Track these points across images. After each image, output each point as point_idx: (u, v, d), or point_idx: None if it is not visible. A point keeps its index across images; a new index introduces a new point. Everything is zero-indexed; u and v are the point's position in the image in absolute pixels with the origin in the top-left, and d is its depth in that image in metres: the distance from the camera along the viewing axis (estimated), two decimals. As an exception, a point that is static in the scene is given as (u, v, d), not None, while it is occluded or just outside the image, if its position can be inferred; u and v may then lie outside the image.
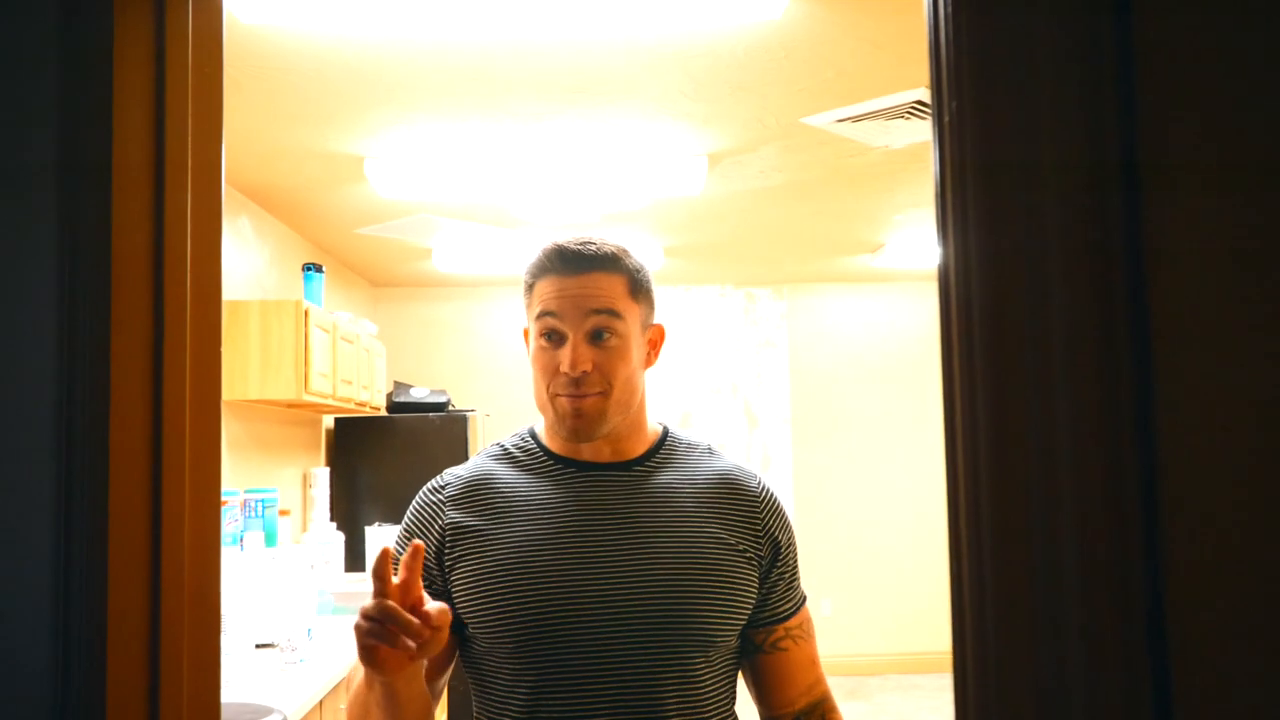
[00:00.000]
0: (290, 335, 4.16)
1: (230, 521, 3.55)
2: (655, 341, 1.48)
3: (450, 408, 5.95)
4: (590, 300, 1.36)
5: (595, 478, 1.42)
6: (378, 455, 5.72)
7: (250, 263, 4.54)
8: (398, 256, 5.87)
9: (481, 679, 1.40)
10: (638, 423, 1.45)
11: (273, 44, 2.85)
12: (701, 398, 7.12)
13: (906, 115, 3.49)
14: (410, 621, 1.13)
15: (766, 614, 1.44)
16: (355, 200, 4.53)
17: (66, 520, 1.08)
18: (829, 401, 7.14)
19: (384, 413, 5.74)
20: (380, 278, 6.55)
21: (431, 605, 1.18)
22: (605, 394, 1.36)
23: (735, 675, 1.45)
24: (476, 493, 1.43)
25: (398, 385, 6.04)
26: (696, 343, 7.14)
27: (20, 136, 1.12)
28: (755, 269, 6.70)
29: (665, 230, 5.35)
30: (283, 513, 4.06)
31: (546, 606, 1.32)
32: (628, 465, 1.43)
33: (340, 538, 5.03)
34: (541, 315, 1.38)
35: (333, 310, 5.14)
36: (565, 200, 4.53)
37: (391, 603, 1.13)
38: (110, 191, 1.12)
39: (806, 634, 1.48)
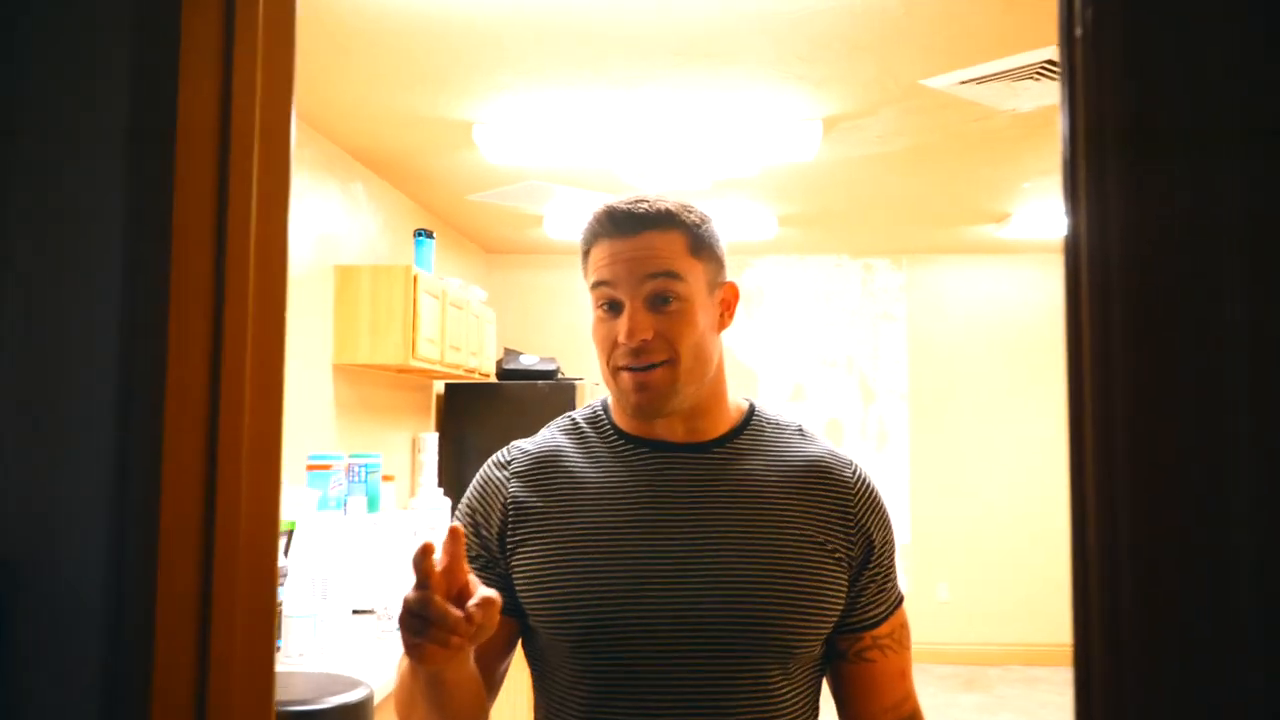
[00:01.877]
0: (399, 300, 4.18)
1: (334, 486, 3.58)
2: (728, 302, 1.34)
3: (559, 375, 5.93)
4: (646, 263, 1.24)
5: (669, 460, 1.30)
6: (486, 422, 5.73)
7: (363, 228, 4.57)
8: (510, 223, 5.86)
9: (542, 674, 1.32)
10: (716, 397, 1.32)
11: (381, 8, 2.81)
12: (815, 371, 6.95)
13: (1036, 76, 3.27)
14: (451, 616, 1.03)
15: (854, 620, 1.29)
16: (466, 166, 4.50)
17: (120, 498, 1.04)
18: (949, 377, 6.89)
19: (493, 379, 5.75)
20: (493, 244, 6.56)
21: (480, 593, 1.07)
22: (672, 363, 1.24)
23: (818, 686, 1.32)
24: (543, 470, 1.33)
25: (508, 352, 6.04)
26: (811, 314, 6.97)
27: (86, 101, 1.08)
28: (873, 239, 6.48)
29: (779, 198, 5.19)
30: (386, 478, 4.08)
31: (608, 604, 1.22)
32: (706, 446, 1.31)
33: (447, 503, 5.06)
34: (596, 285, 1.28)
35: (444, 276, 5.15)
36: (674, 166, 4.42)
37: (434, 595, 1.04)
38: (174, 158, 1.06)
39: (898, 643, 1.33)
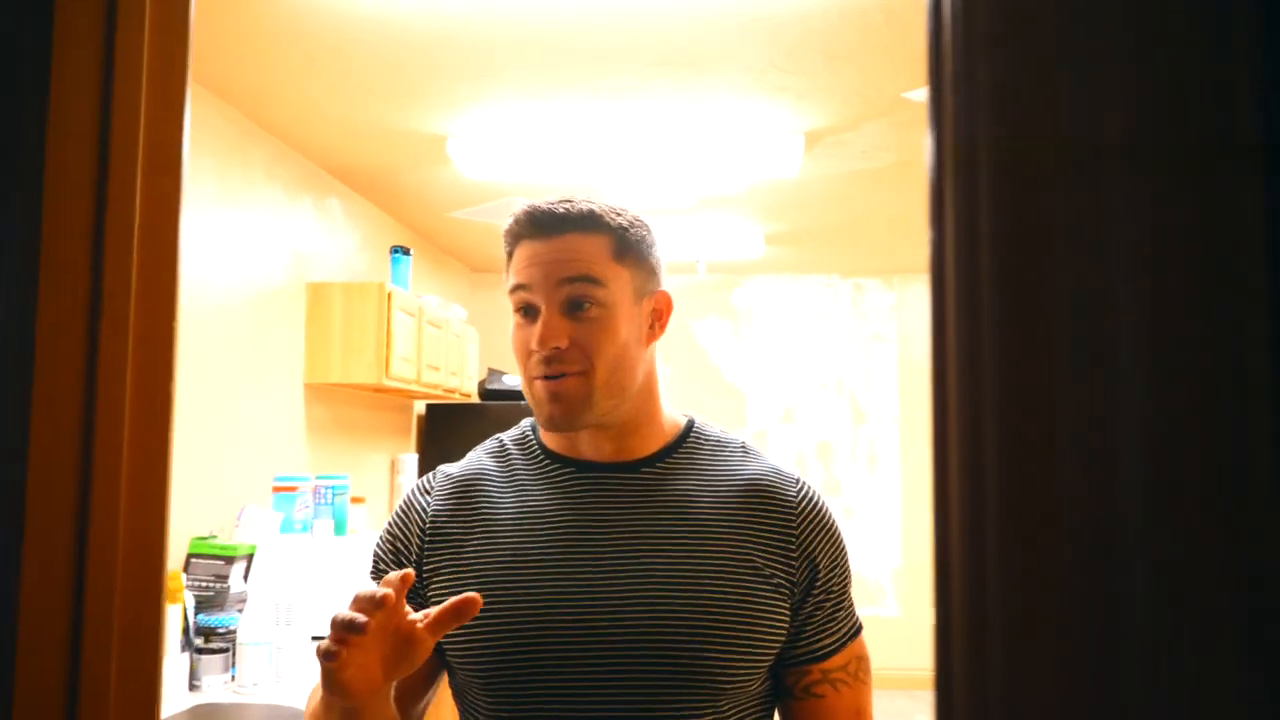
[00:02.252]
0: (372, 318, 4.08)
1: (300, 508, 3.47)
2: (659, 312, 1.24)
3: (543, 396, 5.82)
4: (564, 266, 1.15)
5: (593, 480, 1.20)
6: (468, 443, 5.55)
7: (340, 245, 4.48)
8: (494, 241, 5.76)
9: (464, 708, 1.22)
10: (646, 413, 1.22)
11: (348, 17, 2.73)
12: (805, 393, 6.85)
13: (1023, 89, 3.18)
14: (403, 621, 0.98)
15: (799, 651, 1.18)
16: (443, 182, 4.42)
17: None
18: (940, 399, 6.78)
19: (475, 400, 5.65)
20: (477, 263, 6.47)
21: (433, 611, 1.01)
22: (587, 374, 1.14)
23: None
24: (463, 494, 1.24)
25: (491, 372, 5.94)
26: (801, 335, 6.87)
27: None
28: (864, 258, 6.39)
29: (765, 216, 5.11)
30: (356, 500, 3.97)
31: (519, 638, 1.12)
32: (634, 466, 1.21)
33: (425, 526, 4.94)
34: (514, 289, 1.18)
35: (422, 295, 5.06)
36: (657, 182, 4.33)
37: (385, 594, 0.95)
38: (42, 175, 0.96)
39: (853, 677, 1.20)
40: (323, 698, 1.06)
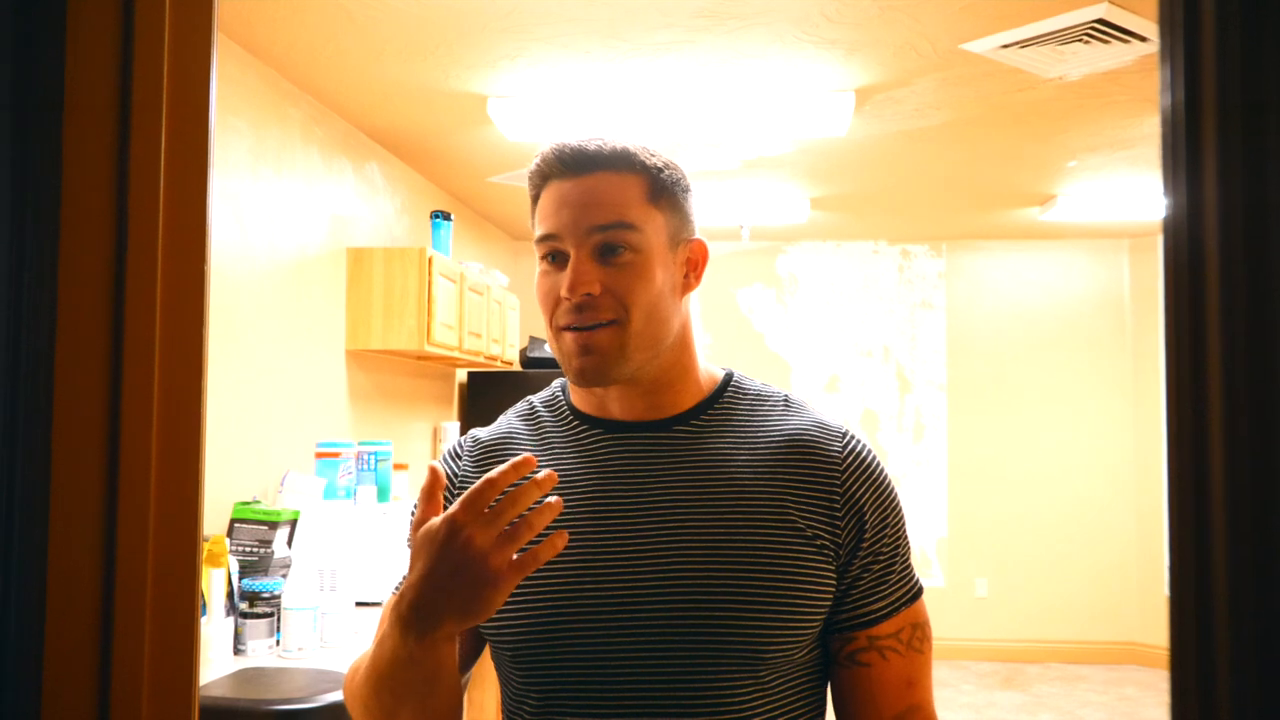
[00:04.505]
0: (414, 284, 4.03)
1: (343, 474, 3.44)
2: (694, 261, 1.16)
3: (585, 364, 5.77)
4: (596, 210, 1.07)
5: (622, 441, 1.13)
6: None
7: (379, 210, 4.43)
8: (529, 198, 5.69)
9: (502, 684, 1.16)
10: (681, 367, 1.14)
11: (377, -34, 2.66)
12: (851, 360, 6.74)
13: (1085, 38, 3.05)
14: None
15: (844, 617, 1.10)
16: (484, 145, 4.35)
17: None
18: (989, 368, 6.65)
19: (517, 367, 5.61)
20: (518, 230, 6.41)
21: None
22: (621, 323, 1.07)
23: (815, 699, 1.12)
24: (492, 459, 1.18)
25: (532, 340, 5.89)
26: (847, 302, 6.76)
27: None
28: (912, 224, 6.26)
29: (812, 179, 4.99)
30: (399, 466, 3.94)
31: (548, 608, 1.06)
32: (666, 424, 1.13)
33: (468, 494, 4.92)
34: (542, 238, 1.10)
35: (465, 261, 5.01)
36: (701, 144, 4.24)
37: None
38: (60, 137, 0.89)
39: (905, 646, 1.11)
40: (398, 651, 0.96)
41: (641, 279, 1.08)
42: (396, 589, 1.12)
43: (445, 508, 1.16)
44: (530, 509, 0.91)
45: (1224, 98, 0.58)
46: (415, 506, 1.20)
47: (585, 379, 1.09)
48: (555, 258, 1.10)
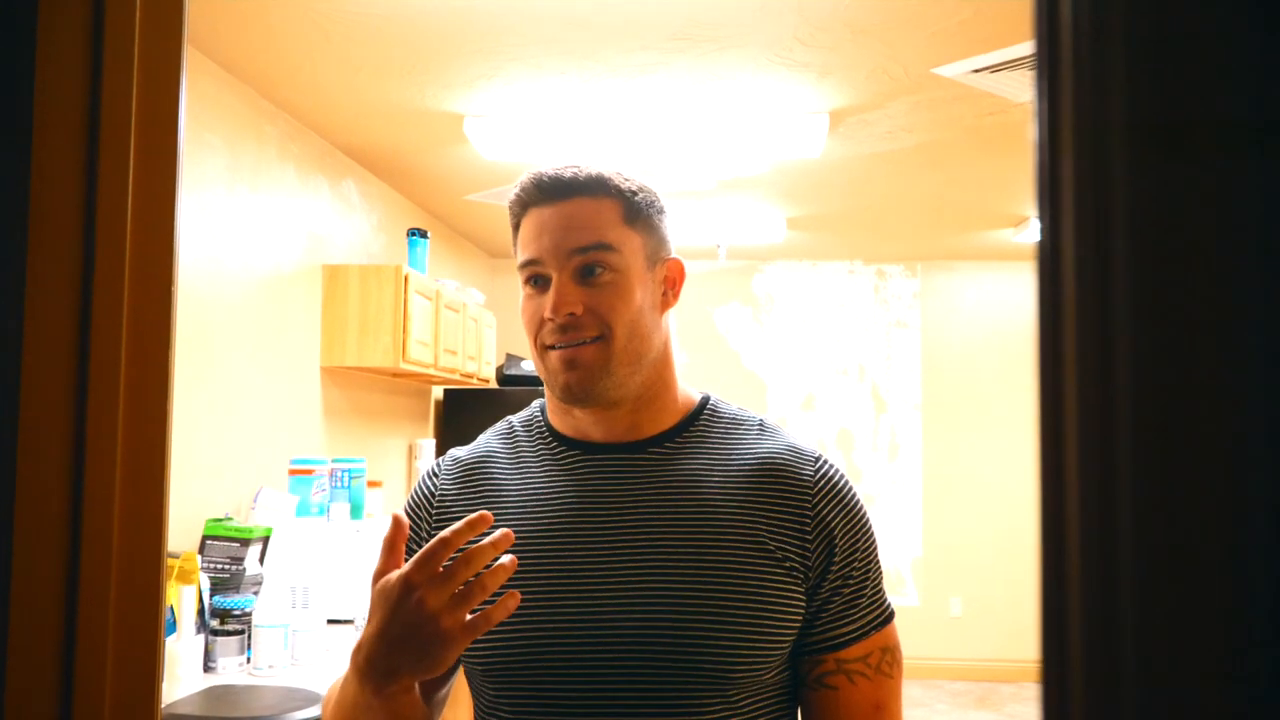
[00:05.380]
0: (389, 301, 4.03)
1: (317, 491, 3.43)
2: (672, 280, 1.20)
3: (561, 382, 5.78)
4: (575, 234, 1.11)
5: (598, 462, 1.15)
6: (485, 428, 5.57)
7: (356, 227, 4.44)
8: (510, 225, 5.71)
9: (474, 699, 1.17)
10: (663, 383, 1.17)
11: (354, -15, 2.68)
12: (827, 379, 6.78)
13: (1053, 64, 3.10)
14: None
15: (814, 639, 1.11)
16: (460, 163, 4.36)
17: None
18: (964, 387, 6.70)
19: (494, 384, 5.61)
20: (495, 248, 6.42)
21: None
22: (605, 340, 1.10)
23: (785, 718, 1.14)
24: (471, 478, 1.20)
25: (509, 358, 5.90)
26: (822, 321, 6.80)
27: None
28: (887, 244, 6.31)
29: (787, 199, 5.04)
30: (373, 484, 3.94)
31: (519, 626, 1.07)
32: (640, 446, 1.16)
33: (443, 511, 4.91)
34: (525, 264, 1.14)
35: (442, 278, 5.01)
36: (677, 164, 4.27)
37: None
38: (29, 151, 0.89)
39: (874, 670, 1.11)
40: (359, 694, 1.00)
41: (621, 297, 1.11)
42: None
43: (421, 536, 1.18)
44: (485, 569, 0.94)
45: (1079, 126, 0.60)
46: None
47: (572, 395, 1.11)
48: (538, 282, 1.13)
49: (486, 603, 0.96)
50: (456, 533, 0.93)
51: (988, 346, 6.71)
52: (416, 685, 1.02)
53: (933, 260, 6.74)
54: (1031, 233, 5.56)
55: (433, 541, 0.93)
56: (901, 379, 6.77)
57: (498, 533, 0.94)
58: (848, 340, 6.80)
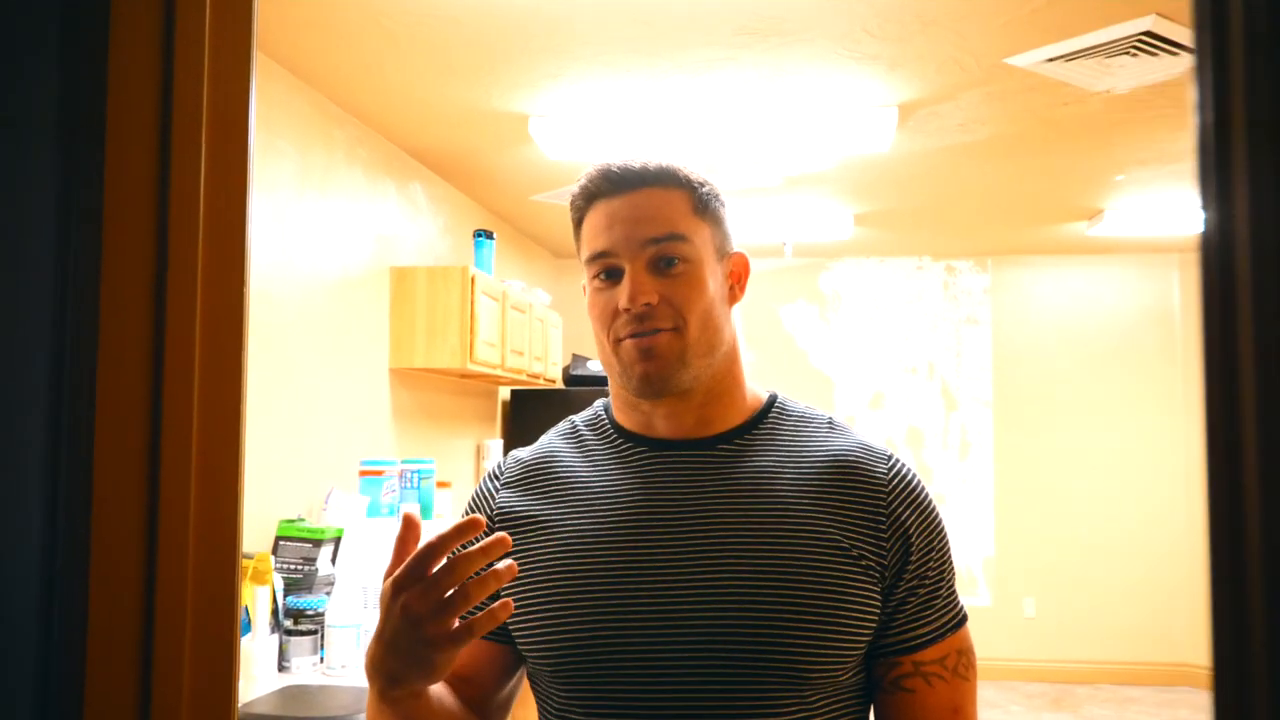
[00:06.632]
0: (456, 302, 4.05)
1: (387, 492, 3.46)
2: (738, 274, 1.18)
3: (627, 382, 5.77)
4: (648, 224, 1.09)
5: (667, 458, 1.13)
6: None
7: (422, 229, 4.47)
8: (572, 222, 5.71)
9: (539, 702, 1.16)
10: (732, 378, 1.15)
11: (420, -12, 2.69)
12: (895, 377, 6.68)
13: (1133, 51, 3.01)
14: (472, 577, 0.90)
15: (890, 641, 1.08)
16: (526, 164, 4.37)
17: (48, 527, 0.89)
18: (1036, 384, 6.56)
19: (560, 385, 5.62)
20: (561, 248, 6.43)
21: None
22: (679, 330, 1.08)
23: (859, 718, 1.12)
24: (534, 478, 1.18)
25: (575, 358, 5.90)
26: (891, 319, 6.70)
27: (14, 88, 0.92)
28: (956, 239, 6.20)
29: (855, 195, 4.97)
30: (442, 484, 3.96)
31: (590, 626, 1.05)
32: (711, 442, 1.13)
33: (510, 511, 4.92)
34: (594, 257, 1.11)
35: (508, 279, 5.03)
36: (744, 161, 4.23)
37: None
38: (103, 150, 0.89)
39: (952, 673, 1.09)
40: (380, 695, 0.98)
41: (695, 288, 1.09)
42: None
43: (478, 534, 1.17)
44: (475, 576, 0.91)
45: (1253, 116, 0.56)
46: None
47: (650, 386, 1.09)
48: (609, 274, 1.11)
49: (480, 607, 0.95)
50: (443, 538, 0.90)
51: (1061, 342, 6.56)
52: (428, 691, 1.01)
53: (1004, 255, 6.61)
54: (1106, 225, 5.42)
55: (421, 546, 0.91)
56: (972, 376, 6.65)
57: (490, 538, 0.90)
58: (916, 337, 6.70)
